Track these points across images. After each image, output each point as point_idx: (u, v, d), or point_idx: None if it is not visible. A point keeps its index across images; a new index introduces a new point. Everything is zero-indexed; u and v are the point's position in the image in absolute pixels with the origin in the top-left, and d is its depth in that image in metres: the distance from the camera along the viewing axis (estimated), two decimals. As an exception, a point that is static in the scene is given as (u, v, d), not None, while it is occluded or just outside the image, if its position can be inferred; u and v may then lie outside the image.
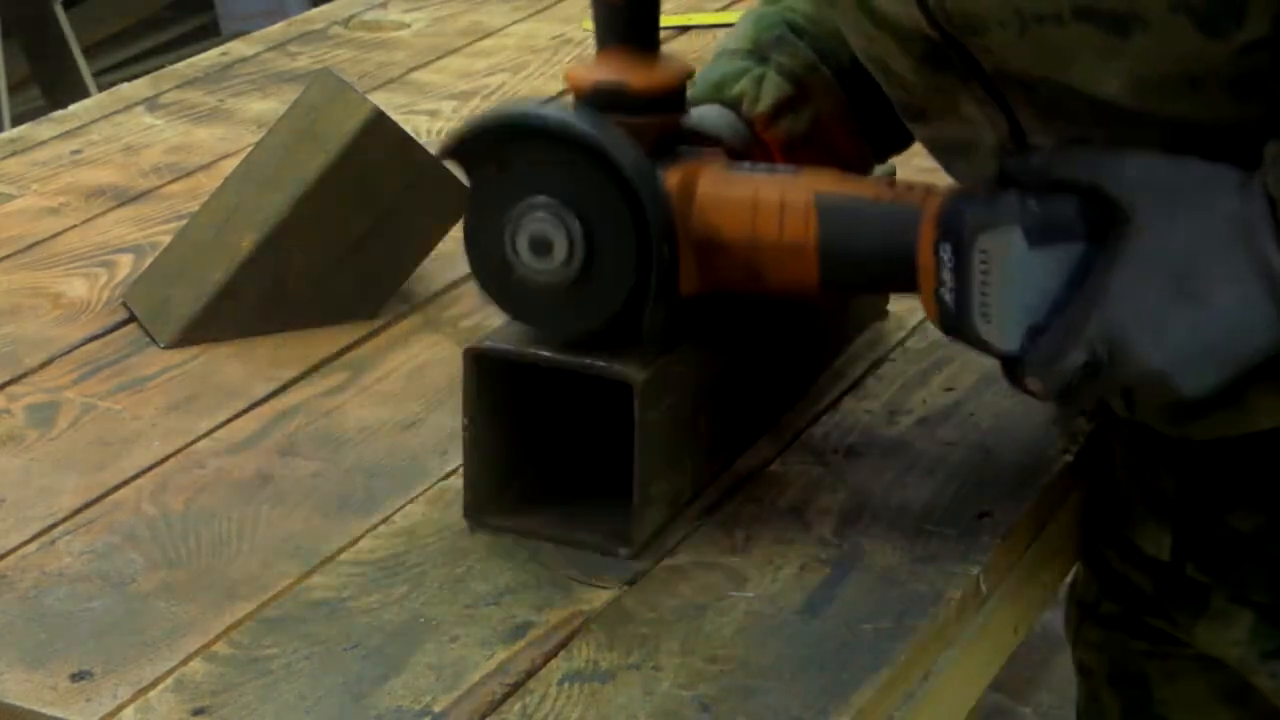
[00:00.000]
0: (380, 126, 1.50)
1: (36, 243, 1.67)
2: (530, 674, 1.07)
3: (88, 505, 1.25)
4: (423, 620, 1.12)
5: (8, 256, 1.64)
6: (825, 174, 1.16)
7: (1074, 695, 1.49)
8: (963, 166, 1.20)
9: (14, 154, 1.87)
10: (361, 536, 1.21)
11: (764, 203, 1.14)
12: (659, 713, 1.04)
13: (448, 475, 1.27)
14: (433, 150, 1.58)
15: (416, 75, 2.10)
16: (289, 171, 1.50)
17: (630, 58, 1.16)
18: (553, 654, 1.09)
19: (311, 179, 1.48)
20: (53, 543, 1.21)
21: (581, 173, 1.13)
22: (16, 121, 3.40)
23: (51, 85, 4.16)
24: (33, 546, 1.20)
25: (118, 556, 1.19)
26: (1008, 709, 2.66)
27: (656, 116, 1.17)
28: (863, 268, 1.14)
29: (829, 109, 1.29)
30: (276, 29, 2.26)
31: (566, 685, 1.06)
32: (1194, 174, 1.05)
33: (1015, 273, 1.06)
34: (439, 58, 2.15)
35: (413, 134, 1.55)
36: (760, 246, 1.15)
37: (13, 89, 4.14)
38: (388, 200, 1.50)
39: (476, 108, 1.99)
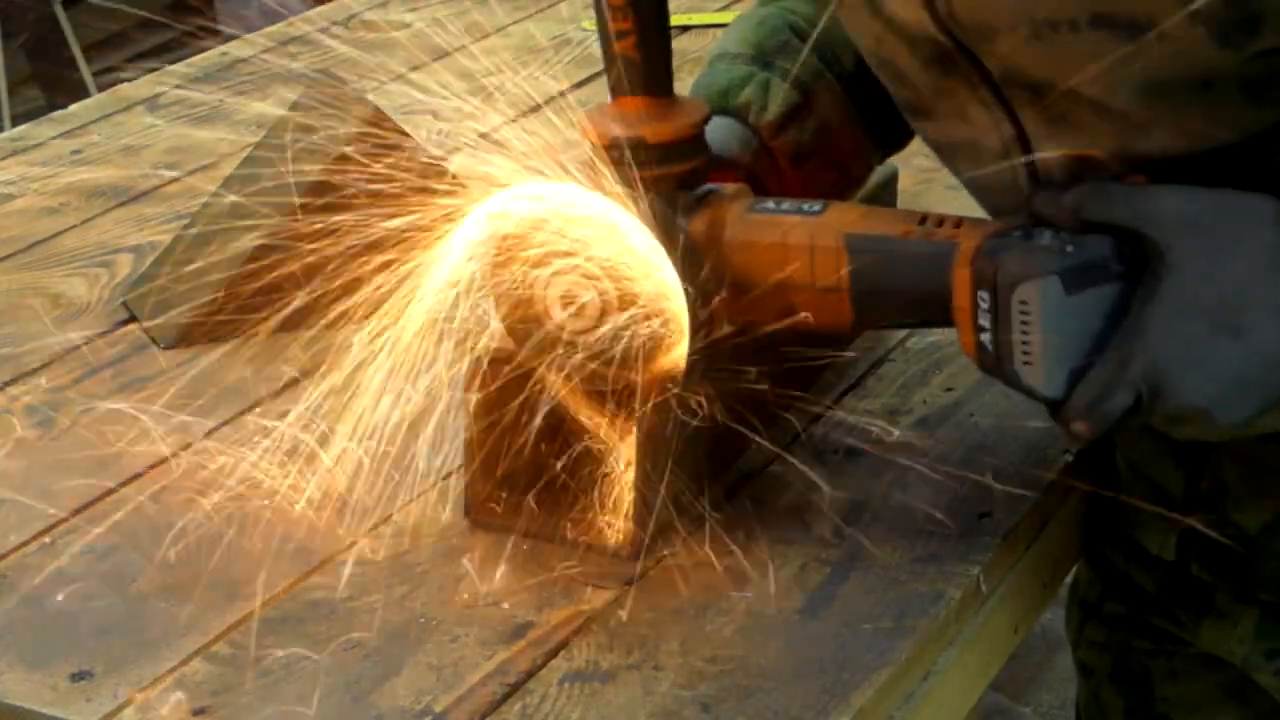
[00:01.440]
0: (380, 126, 1.50)
1: (36, 243, 1.67)
2: (530, 674, 1.07)
3: (88, 505, 1.25)
4: (423, 620, 1.12)
5: (8, 256, 1.64)
6: (851, 211, 1.15)
7: (1074, 695, 1.49)
8: (966, 167, 1.20)
9: (14, 154, 1.87)
10: (362, 537, 1.21)
11: (793, 247, 1.13)
12: (659, 713, 1.04)
13: (448, 475, 1.27)
14: (433, 150, 1.58)
15: (416, 75, 2.09)
16: (289, 172, 1.50)
17: (646, 108, 1.16)
18: (553, 654, 1.09)
19: (311, 179, 1.48)
20: (53, 543, 1.21)
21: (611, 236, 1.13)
22: (16, 121, 3.40)
23: (51, 85, 4.16)
24: (33, 546, 1.20)
25: (118, 556, 1.19)
26: (1008, 709, 2.66)
27: (676, 165, 1.16)
28: (898, 308, 1.13)
29: (834, 115, 1.28)
30: (276, 29, 2.26)
31: (566, 685, 1.06)
32: (1229, 207, 1.04)
33: (1055, 320, 1.05)
34: (439, 58, 2.15)
35: (413, 134, 1.54)
36: (792, 290, 1.14)
37: (13, 89, 4.14)
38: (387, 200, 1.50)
39: (477, 108, 1.98)
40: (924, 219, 1.12)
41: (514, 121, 1.98)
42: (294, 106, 1.58)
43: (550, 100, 2.01)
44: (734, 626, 1.11)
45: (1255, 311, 1.02)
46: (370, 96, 1.66)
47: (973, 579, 1.16)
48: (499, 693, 1.06)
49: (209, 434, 1.34)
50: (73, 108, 2.01)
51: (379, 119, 1.49)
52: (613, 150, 1.16)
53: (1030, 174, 1.14)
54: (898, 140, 1.33)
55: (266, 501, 1.25)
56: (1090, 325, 1.06)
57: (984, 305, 1.07)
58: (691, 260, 1.13)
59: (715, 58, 1.31)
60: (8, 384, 1.42)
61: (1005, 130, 1.13)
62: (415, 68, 2.11)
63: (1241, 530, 1.24)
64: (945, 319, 1.11)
